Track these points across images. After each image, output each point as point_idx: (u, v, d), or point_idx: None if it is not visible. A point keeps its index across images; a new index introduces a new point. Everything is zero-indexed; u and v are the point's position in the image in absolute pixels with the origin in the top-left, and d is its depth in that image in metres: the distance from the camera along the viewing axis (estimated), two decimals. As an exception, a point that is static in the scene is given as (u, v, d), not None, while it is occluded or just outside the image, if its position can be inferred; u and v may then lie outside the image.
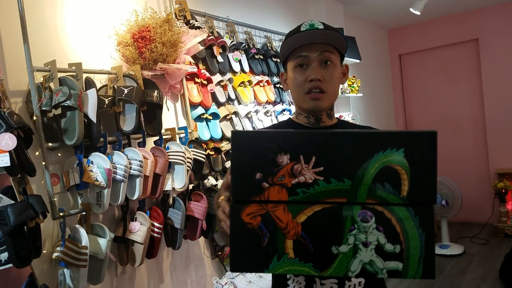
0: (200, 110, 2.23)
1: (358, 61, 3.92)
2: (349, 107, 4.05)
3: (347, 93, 3.77)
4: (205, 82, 2.27)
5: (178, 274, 2.19)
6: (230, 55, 2.49)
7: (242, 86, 2.54)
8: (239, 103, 2.58)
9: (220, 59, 2.38)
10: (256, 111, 2.65)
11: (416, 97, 5.31)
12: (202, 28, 2.18)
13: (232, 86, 2.49)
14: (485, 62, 4.65)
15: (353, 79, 3.86)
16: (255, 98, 2.68)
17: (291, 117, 1.15)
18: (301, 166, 0.71)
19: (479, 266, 3.63)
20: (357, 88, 3.90)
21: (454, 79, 4.98)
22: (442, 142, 5.06)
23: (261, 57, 2.76)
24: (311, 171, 0.71)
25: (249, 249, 0.72)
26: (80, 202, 1.64)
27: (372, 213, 0.71)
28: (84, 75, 1.65)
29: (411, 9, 3.68)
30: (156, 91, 1.84)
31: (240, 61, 2.55)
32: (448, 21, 4.85)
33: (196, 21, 2.24)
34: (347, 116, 3.78)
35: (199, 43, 2.14)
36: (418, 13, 3.71)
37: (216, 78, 2.36)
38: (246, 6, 2.87)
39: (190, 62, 2.18)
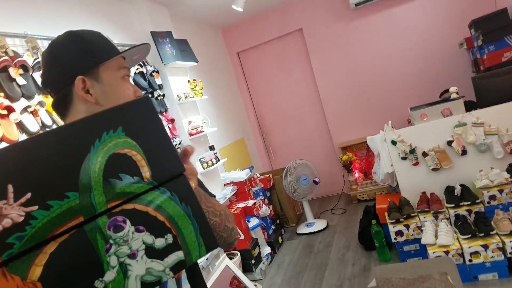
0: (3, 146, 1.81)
1: (196, 63, 3.84)
2: (198, 111, 3.95)
3: (191, 97, 3.65)
4: (4, 112, 1.86)
5: None
6: (36, 74, 2.11)
7: (60, 108, 2.18)
8: (60, 128, 2.20)
9: (21, 81, 1.98)
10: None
11: (261, 91, 5.51)
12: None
13: (46, 110, 2.11)
14: (312, 49, 5.04)
15: (194, 83, 3.76)
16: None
17: None
18: None
19: (342, 236, 3.93)
20: (200, 91, 3.81)
21: (288, 69, 5.30)
22: (291, 129, 5.41)
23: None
24: (15, 206, 0.50)
25: None
26: None
27: (124, 216, 0.56)
28: None
29: (233, 7, 3.72)
30: None
31: (51, 81, 2.18)
32: (273, 14, 5.11)
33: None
34: (197, 120, 3.68)
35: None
36: (241, 10, 3.78)
37: (21, 104, 1.96)
38: (49, 18, 2.47)
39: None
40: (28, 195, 0.51)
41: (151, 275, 0.58)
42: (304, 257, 3.69)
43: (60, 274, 0.52)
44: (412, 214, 2.90)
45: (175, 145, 3.28)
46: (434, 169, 3.00)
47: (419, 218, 2.86)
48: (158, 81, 3.43)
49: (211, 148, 3.84)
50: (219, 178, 3.90)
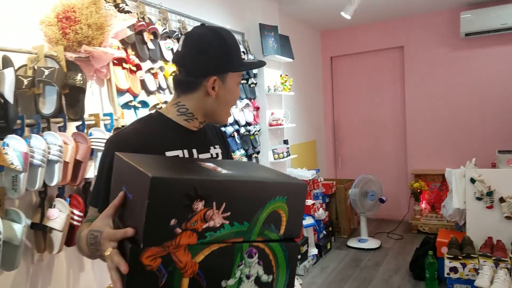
0: (127, 97, 2.14)
1: (291, 60, 4.02)
2: (281, 105, 4.14)
3: (279, 91, 3.85)
4: (134, 68, 2.18)
5: (101, 263, 2.12)
6: (162, 42, 2.42)
7: (174, 75, 2.48)
8: (171, 92, 2.51)
9: (151, 46, 2.30)
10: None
11: (344, 99, 5.56)
12: (132, 13, 2.10)
13: (164, 74, 2.42)
14: (409, 70, 4.98)
15: (285, 78, 3.95)
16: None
17: (160, 111, 1.09)
18: (213, 211, 0.76)
19: (393, 259, 3.92)
20: (289, 86, 4.00)
21: (379, 84, 5.29)
22: (366, 143, 5.41)
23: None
24: (220, 216, 0.76)
25: None
26: (-7, 186, 1.53)
27: (257, 250, 0.82)
28: (1, 54, 1.56)
29: (342, 13, 3.83)
30: (79, 74, 1.77)
31: (172, 50, 2.49)
32: (377, 27, 5.12)
33: (126, 5, 2.15)
34: (279, 113, 3.87)
35: (128, 28, 2.06)
36: (349, 17, 3.88)
37: (146, 65, 2.28)
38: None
39: (118, 46, 2.08)
40: (228, 213, 0.77)
41: None
42: (349, 268, 3.74)
43: (209, 265, 0.77)
44: (472, 255, 2.85)
45: (254, 131, 3.51)
46: (508, 217, 2.91)
47: (479, 261, 2.80)
48: (254, 70, 3.66)
49: (285, 142, 4.03)
50: (285, 172, 4.08)
